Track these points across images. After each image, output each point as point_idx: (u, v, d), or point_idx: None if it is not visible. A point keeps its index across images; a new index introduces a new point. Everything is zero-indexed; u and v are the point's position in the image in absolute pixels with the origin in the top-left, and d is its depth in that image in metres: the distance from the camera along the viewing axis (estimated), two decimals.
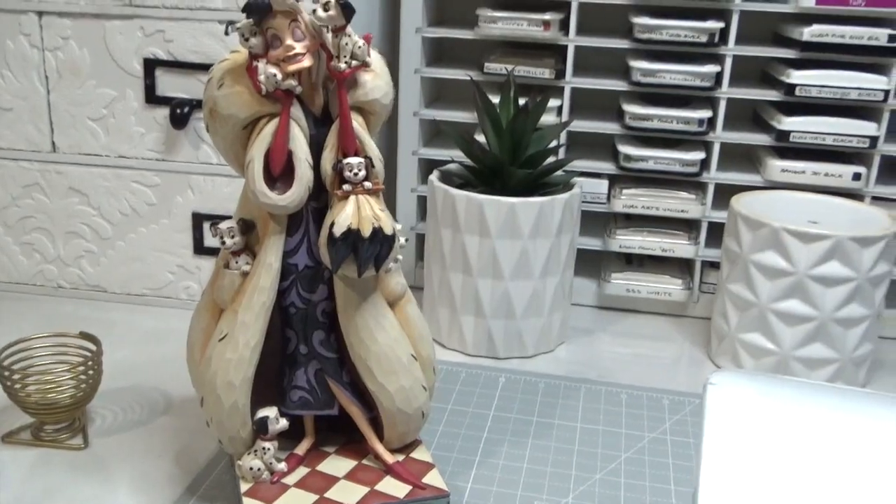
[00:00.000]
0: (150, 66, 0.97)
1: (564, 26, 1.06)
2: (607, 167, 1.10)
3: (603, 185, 1.11)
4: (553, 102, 1.08)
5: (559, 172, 1.01)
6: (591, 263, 1.16)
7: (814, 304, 0.87)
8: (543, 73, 1.07)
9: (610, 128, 1.08)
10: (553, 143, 1.04)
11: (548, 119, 1.07)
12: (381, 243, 0.63)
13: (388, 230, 0.63)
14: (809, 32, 0.98)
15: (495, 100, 0.99)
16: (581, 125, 1.09)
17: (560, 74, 1.07)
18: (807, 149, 1.04)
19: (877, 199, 1.04)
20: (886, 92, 0.99)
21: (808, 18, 1.01)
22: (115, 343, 0.98)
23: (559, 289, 0.98)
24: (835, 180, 1.03)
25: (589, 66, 1.13)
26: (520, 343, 0.98)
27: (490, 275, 0.95)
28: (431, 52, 1.15)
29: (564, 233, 0.96)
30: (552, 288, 0.97)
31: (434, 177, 1.00)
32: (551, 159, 1.03)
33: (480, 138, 1.02)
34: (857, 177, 1.02)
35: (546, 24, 1.05)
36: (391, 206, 1.21)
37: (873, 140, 1.01)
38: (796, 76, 1.00)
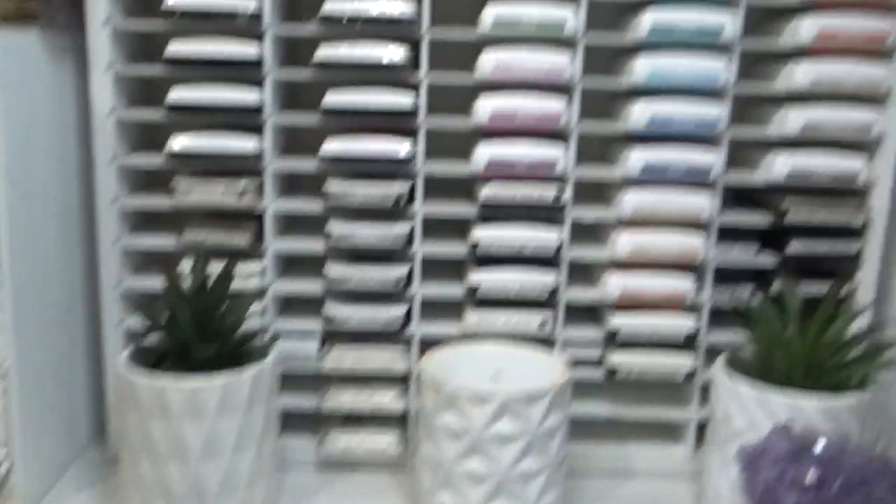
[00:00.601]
0: None
1: (262, 192, 1.08)
2: (315, 327, 1.11)
3: (312, 345, 1.11)
4: (256, 267, 1.08)
5: (261, 339, 1.00)
6: (311, 422, 1.15)
7: (492, 463, 0.90)
8: (241, 240, 1.07)
9: (313, 289, 1.10)
10: (254, 309, 1.04)
11: (249, 284, 1.07)
12: None
13: None
14: (485, 192, 1.05)
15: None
16: (285, 286, 1.10)
17: (258, 240, 1.08)
18: (498, 300, 1.10)
19: (566, 344, 1.12)
20: (559, 244, 1.07)
21: (484, 179, 1.09)
22: None
23: (257, 461, 0.96)
24: (525, 328, 1.09)
25: (291, 230, 1.15)
26: None
27: (178, 458, 0.91)
28: (133, 221, 1.12)
29: (257, 405, 0.94)
30: (248, 462, 0.94)
31: (124, 356, 0.96)
32: (259, 323, 1.03)
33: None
34: (542, 324, 1.09)
35: (242, 192, 1.06)
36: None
37: (553, 289, 1.08)
38: (478, 232, 1.07)
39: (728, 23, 1.01)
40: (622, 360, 1.10)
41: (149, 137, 1.15)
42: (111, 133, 1.05)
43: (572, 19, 1.01)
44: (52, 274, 1.04)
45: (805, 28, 1.01)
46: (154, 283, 1.07)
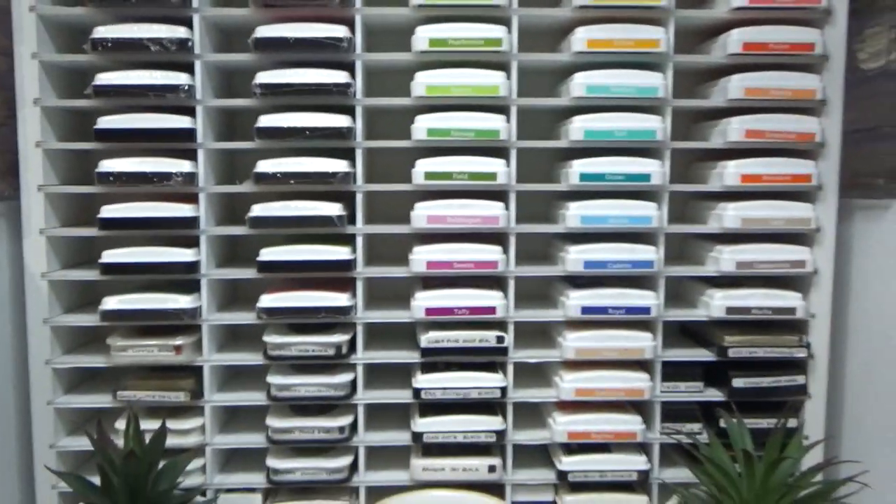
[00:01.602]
0: None
1: (199, 347, 1.06)
2: (259, 480, 1.08)
3: (256, 499, 1.08)
4: (195, 422, 1.06)
5: (201, 497, 0.97)
6: None
7: None
8: (179, 396, 1.05)
9: (255, 441, 1.07)
10: (194, 466, 1.01)
11: (189, 440, 1.05)
12: None
13: None
14: (426, 339, 1.05)
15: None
16: (226, 440, 1.08)
17: (197, 395, 1.06)
18: (444, 444, 1.08)
19: (517, 486, 1.09)
20: (503, 388, 1.06)
21: (425, 326, 1.08)
22: None
23: None
24: (473, 474, 1.07)
25: (231, 383, 1.13)
26: None
27: None
28: (68, 380, 1.10)
29: None
30: None
31: None
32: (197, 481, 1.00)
33: None
34: (492, 469, 1.07)
35: (178, 348, 1.04)
36: None
37: (500, 433, 1.06)
38: (421, 379, 1.05)
39: (659, 128, 1.04)
40: (575, 502, 1.07)
41: (83, 296, 1.14)
42: (45, 294, 1.04)
43: (504, 132, 1.03)
44: None
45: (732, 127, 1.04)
46: (89, 443, 1.04)
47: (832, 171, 1.05)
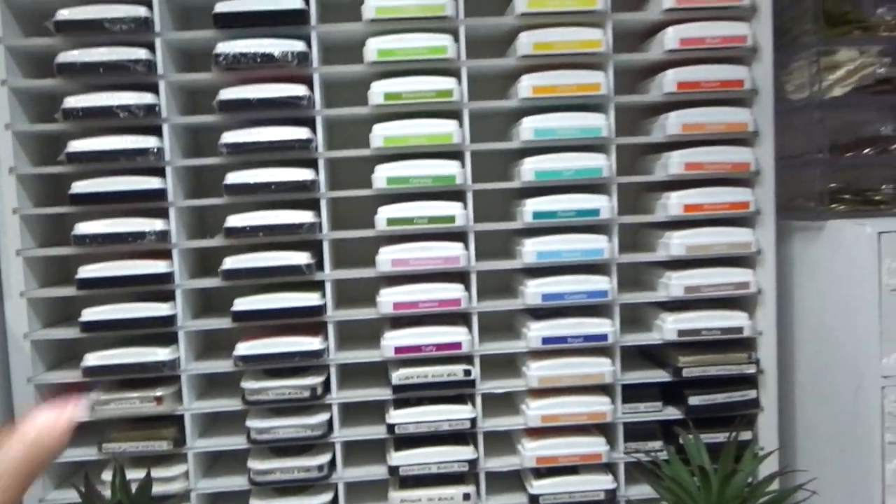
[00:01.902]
0: None
1: (179, 397, 1.11)
2: None
3: None
4: (179, 469, 1.10)
5: None
6: None
7: None
8: (162, 445, 1.09)
9: (238, 484, 1.11)
10: None
11: (174, 487, 1.09)
12: None
13: None
14: (397, 376, 1.10)
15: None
16: (210, 484, 1.12)
17: (179, 443, 1.10)
18: (420, 476, 1.13)
19: None
20: (473, 418, 1.11)
21: (395, 363, 1.13)
22: None
23: None
24: (449, 503, 1.11)
25: (212, 428, 1.18)
26: None
27: None
28: None
29: None
30: None
31: None
32: None
33: None
34: (466, 497, 1.12)
35: (159, 399, 1.08)
36: None
37: (472, 462, 1.11)
38: (394, 415, 1.10)
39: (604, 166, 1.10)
40: None
41: (65, 353, 1.18)
42: (27, 353, 1.08)
43: (460, 177, 1.09)
44: None
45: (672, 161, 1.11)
46: (76, 496, 1.08)
47: (768, 197, 1.12)
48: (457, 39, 1.08)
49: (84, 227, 1.07)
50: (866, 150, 1.08)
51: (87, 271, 1.07)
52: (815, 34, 1.07)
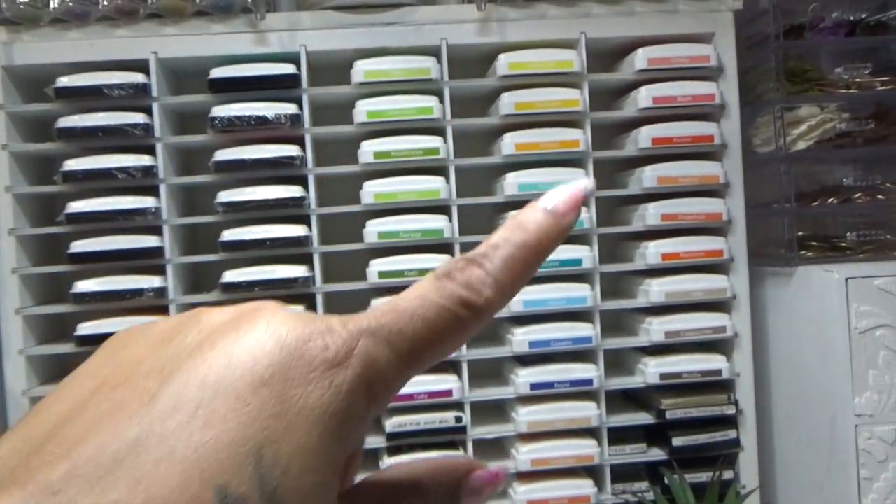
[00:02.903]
0: None
1: None
2: None
3: None
4: None
5: None
6: None
7: None
8: None
9: None
10: None
11: None
12: None
13: None
14: (391, 424, 1.13)
15: None
16: None
17: None
18: None
19: None
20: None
21: (388, 411, 1.16)
22: None
23: None
24: None
25: None
26: None
27: None
28: None
29: None
30: None
31: None
32: None
33: None
34: None
35: None
36: None
37: None
38: (388, 463, 1.13)
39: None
40: None
41: (55, 329, 1.20)
42: (19, 328, 1.11)
43: (447, 231, 1.13)
44: None
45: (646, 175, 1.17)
46: None
47: (741, 245, 1.18)
48: (442, 100, 1.14)
49: (83, 285, 1.09)
50: (831, 200, 1.15)
51: (86, 328, 1.09)
52: (777, 91, 1.14)
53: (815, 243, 1.16)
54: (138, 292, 1.09)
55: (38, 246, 1.16)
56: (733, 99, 1.18)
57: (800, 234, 1.15)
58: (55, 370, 1.18)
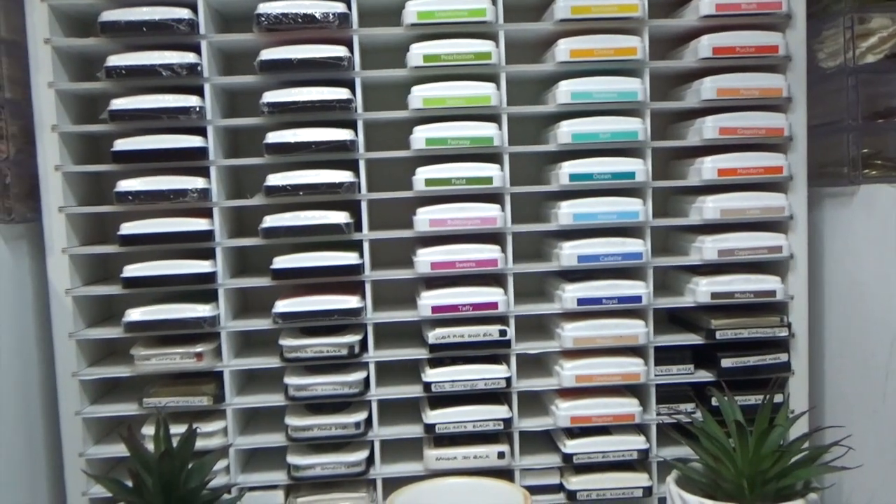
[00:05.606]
0: None
1: (218, 354, 1.12)
2: (280, 477, 1.13)
3: (279, 495, 1.13)
4: (218, 425, 1.11)
5: (227, 494, 1.02)
6: None
7: None
8: (202, 401, 1.10)
9: (276, 440, 1.13)
10: (218, 467, 1.06)
11: (213, 442, 1.10)
12: None
13: None
14: (433, 335, 1.11)
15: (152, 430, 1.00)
16: (248, 440, 1.13)
17: (219, 399, 1.11)
18: (455, 434, 1.14)
19: (525, 473, 1.16)
20: (508, 378, 1.12)
21: (431, 323, 1.14)
22: None
23: None
24: (484, 461, 1.13)
25: (249, 386, 1.19)
26: None
27: None
28: (94, 391, 1.15)
29: None
30: None
31: None
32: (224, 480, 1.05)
33: None
34: (501, 455, 1.13)
35: (199, 355, 1.10)
36: None
37: (507, 421, 1.13)
38: (430, 374, 1.12)
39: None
40: (580, 483, 1.14)
41: (105, 310, 1.20)
42: (69, 309, 1.10)
43: (497, 139, 1.11)
44: (15, 446, 1.06)
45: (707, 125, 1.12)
46: (117, 449, 1.10)
47: (801, 163, 1.14)
48: (494, 3, 1.10)
49: (126, 184, 1.08)
50: None
51: (128, 227, 1.08)
52: (848, 1, 1.08)
53: (878, 162, 1.11)
54: (182, 193, 1.08)
55: (79, 146, 1.15)
56: (800, 8, 1.12)
57: (864, 151, 1.10)
58: (97, 270, 1.18)
